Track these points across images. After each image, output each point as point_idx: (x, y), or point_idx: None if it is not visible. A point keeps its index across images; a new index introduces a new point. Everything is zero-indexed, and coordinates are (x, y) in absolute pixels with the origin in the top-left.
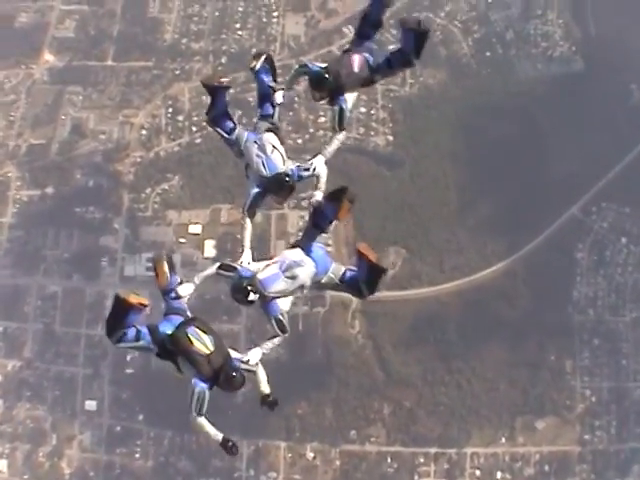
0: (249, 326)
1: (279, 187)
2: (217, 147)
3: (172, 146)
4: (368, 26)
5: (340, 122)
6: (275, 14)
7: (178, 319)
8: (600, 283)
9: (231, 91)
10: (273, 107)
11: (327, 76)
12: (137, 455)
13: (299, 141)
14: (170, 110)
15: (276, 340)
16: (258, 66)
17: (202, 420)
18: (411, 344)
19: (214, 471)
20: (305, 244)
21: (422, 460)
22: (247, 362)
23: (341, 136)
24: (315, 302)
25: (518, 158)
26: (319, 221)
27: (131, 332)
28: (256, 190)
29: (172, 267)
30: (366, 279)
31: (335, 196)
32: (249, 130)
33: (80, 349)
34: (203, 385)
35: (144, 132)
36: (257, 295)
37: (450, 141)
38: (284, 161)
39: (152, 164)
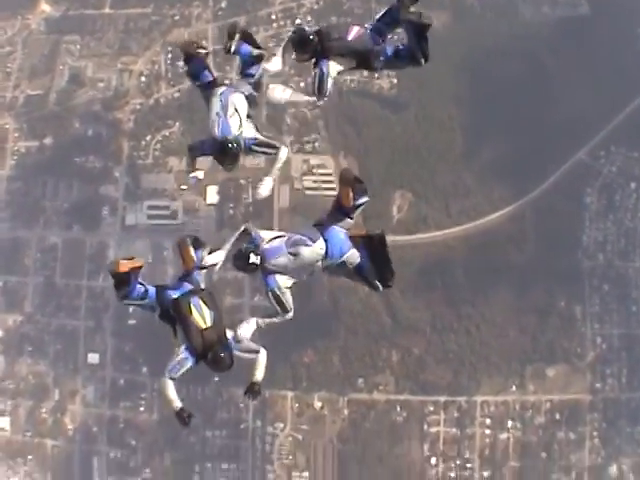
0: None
1: (221, 152)
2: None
3: (172, 92)
4: (390, 18)
5: (320, 87)
6: None
7: (188, 287)
8: (609, 228)
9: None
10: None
11: (311, 37)
12: (141, 408)
13: (302, 84)
14: (170, 56)
15: (276, 319)
16: (234, 48)
17: (169, 383)
18: (419, 289)
19: (220, 423)
20: (324, 224)
21: (431, 409)
22: (238, 338)
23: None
24: None
25: (524, 101)
26: (339, 207)
27: (138, 290)
28: (205, 148)
29: (200, 245)
30: (374, 266)
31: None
32: (228, 86)
33: (82, 301)
34: (189, 355)
35: (143, 79)
36: (258, 258)
37: (455, 84)
38: (240, 126)
39: (152, 111)
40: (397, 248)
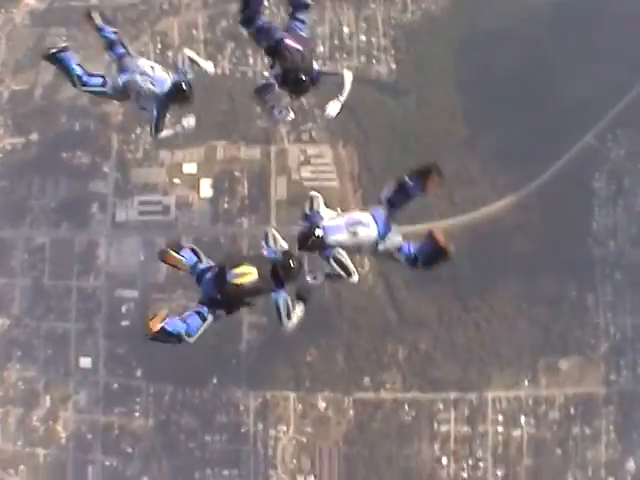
0: None
1: (180, 96)
2: (210, 81)
3: None
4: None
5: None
6: None
7: (210, 276)
8: (619, 214)
9: (223, 24)
10: (124, 47)
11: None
12: (137, 414)
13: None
14: (159, 46)
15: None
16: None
17: (294, 320)
18: (424, 282)
19: (219, 427)
20: (374, 211)
21: (441, 406)
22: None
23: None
24: None
25: (528, 85)
26: (397, 199)
27: (188, 329)
28: (157, 111)
29: (180, 246)
30: (427, 259)
31: (422, 172)
32: (117, 73)
33: (72, 303)
34: (281, 294)
35: None
36: (322, 231)
37: (456, 68)
38: (168, 73)
39: None
40: None
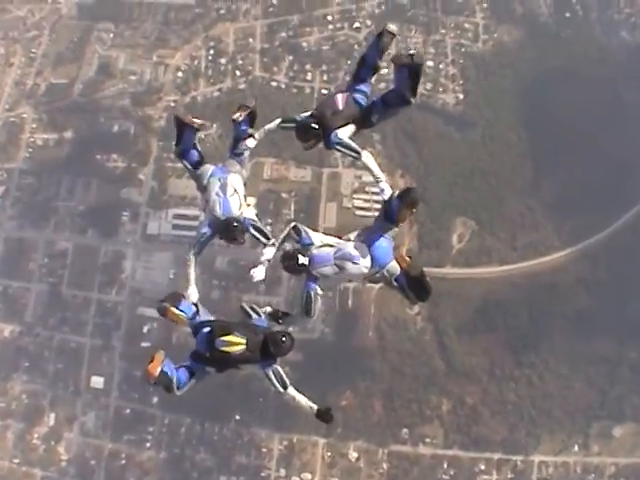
0: (290, 299)
1: (227, 231)
2: (264, 94)
3: (211, 91)
4: (365, 69)
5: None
6: None
7: (205, 331)
8: None
9: (283, 35)
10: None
11: (313, 126)
12: (148, 444)
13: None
14: (211, 52)
15: (298, 324)
16: (240, 119)
17: (291, 391)
18: (477, 331)
19: (237, 468)
20: (371, 234)
21: (483, 467)
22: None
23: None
24: None
25: (600, 130)
26: (389, 215)
27: (185, 379)
28: (206, 230)
29: (180, 297)
30: (408, 286)
31: (402, 195)
32: (217, 165)
33: (89, 316)
34: (272, 366)
35: (180, 74)
36: (307, 260)
37: (526, 104)
38: (240, 206)
39: (187, 109)
40: (455, 282)
